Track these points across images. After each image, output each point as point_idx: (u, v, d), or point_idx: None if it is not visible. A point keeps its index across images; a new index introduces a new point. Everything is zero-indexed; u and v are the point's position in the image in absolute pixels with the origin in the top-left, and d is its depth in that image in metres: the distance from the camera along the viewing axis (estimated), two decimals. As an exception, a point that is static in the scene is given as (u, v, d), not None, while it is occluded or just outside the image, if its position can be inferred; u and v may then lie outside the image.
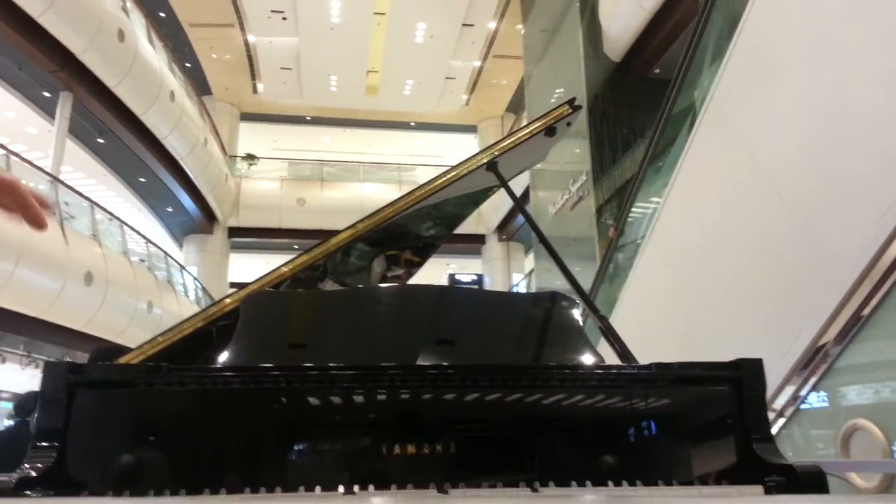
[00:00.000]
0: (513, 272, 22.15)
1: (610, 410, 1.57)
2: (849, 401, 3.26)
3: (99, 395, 1.51)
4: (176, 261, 16.49)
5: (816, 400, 3.44)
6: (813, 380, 3.36)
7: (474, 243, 22.06)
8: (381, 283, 3.04)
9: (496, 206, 19.63)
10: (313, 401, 1.54)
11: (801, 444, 3.53)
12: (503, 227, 21.67)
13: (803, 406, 3.49)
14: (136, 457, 1.46)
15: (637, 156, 9.16)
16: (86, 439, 1.47)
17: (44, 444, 1.45)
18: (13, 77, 11.73)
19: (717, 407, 1.54)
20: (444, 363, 1.66)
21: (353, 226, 2.37)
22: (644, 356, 1.77)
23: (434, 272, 21.81)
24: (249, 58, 20.34)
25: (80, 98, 12.12)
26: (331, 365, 1.54)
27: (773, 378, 3.43)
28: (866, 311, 3.06)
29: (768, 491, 1.35)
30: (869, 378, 3.18)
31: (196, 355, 2.18)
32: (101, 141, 14.10)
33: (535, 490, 1.37)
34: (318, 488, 1.39)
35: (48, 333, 10.45)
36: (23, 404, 4.57)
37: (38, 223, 0.95)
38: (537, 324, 1.95)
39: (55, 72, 11.23)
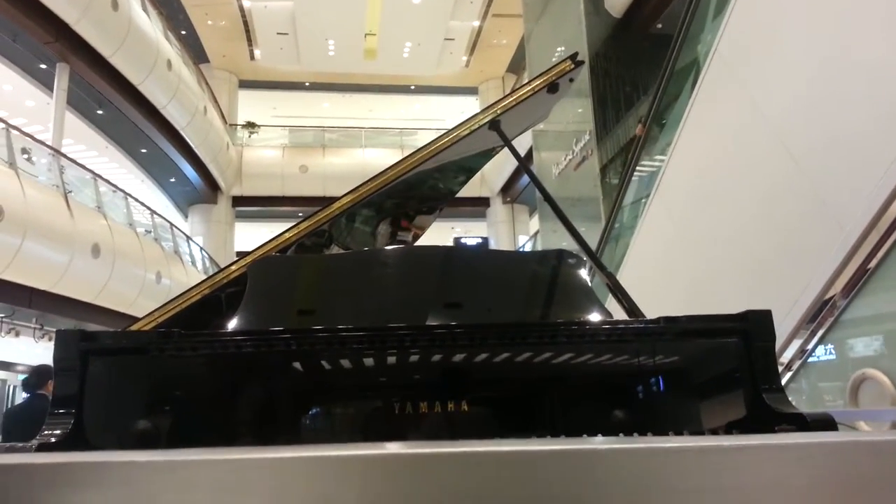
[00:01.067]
0: (518, 234, 22.14)
1: (619, 366, 1.57)
2: (856, 352, 3.28)
3: (112, 361, 1.53)
4: (182, 231, 16.50)
5: (824, 352, 3.46)
6: (820, 332, 3.37)
7: (479, 206, 22.01)
8: (386, 246, 3.04)
9: (500, 168, 19.52)
10: (323, 363, 1.55)
11: (808, 396, 3.55)
12: (507, 190, 21.59)
13: (811, 359, 3.51)
14: (150, 421, 1.48)
15: (640, 113, 9.06)
16: (101, 405, 1.49)
17: (61, 410, 1.47)
18: (8, 49, 11.61)
19: (726, 359, 1.54)
20: (452, 323, 1.67)
21: (355, 189, 2.36)
22: (650, 313, 1.77)
23: (439, 236, 21.74)
24: (245, 23, 20.07)
25: (77, 69, 12.01)
26: (340, 327, 1.55)
27: (780, 332, 3.44)
28: (872, 263, 3.06)
29: (778, 439, 1.36)
30: (876, 329, 3.19)
31: (205, 322, 2.19)
32: (100, 112, 14.01)
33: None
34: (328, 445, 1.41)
35: (59, 306, 10.52)
36: (29, 380, 4.62)
37: None
38: (545, 282, 1.95)
39: (50, 43, 11.11)
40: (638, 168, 6.58)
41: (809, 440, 0.80)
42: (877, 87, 3.08)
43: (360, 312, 1.80)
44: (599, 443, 1.00)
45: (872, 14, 3.17)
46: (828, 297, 3.27)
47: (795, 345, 3.47)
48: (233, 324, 1.76)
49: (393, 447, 0.91)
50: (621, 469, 0.83)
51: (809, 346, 3.43)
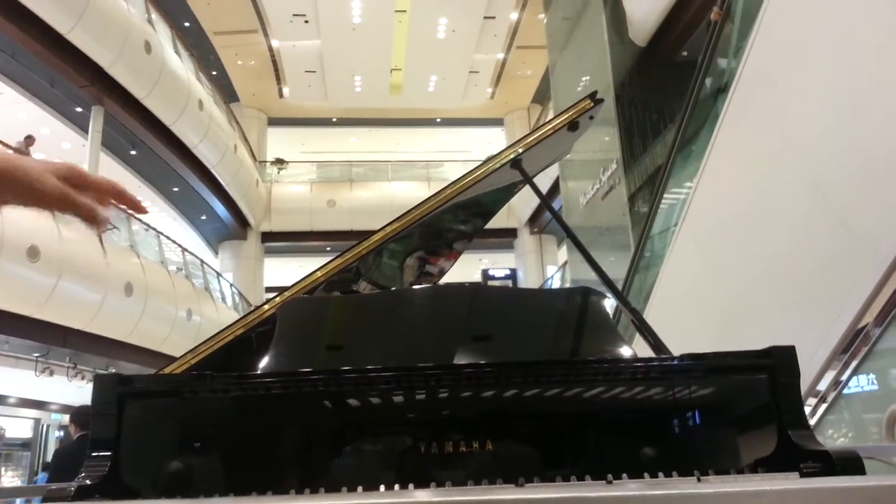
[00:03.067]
0: (546, 265, 22.06)
1: (643, 403, 1.58)
2: (893, 383, 3.21)
3: (147, 404, 1.57)
4: (212, 268, 16.76)
5: (859, 383, 3.39)
6: (854, 363, 3.32)
7: (506, 237, 22.02)
8: (414, 281, 3.08)
9: (527, 200, 19.53)
10: (352, 403, 1.58)
11: (847, 428, 3.48)
12: (534, 220, 21.58)
13: (848, 390, 3.44)
14: (184, 462, 1.52)
15: (668, 141, 9.05)
16: (137, 447, 1.53)
17: (98, 453, 1.52)
18: (46, 94, 12.03)
19: (750, 396, 1.54)
20: (477, 362, 1.69)
21: (382, 228, 2.41)
22: (679, 344, 1.77)
23: (467, 268, 21.83)
24: (274, 62, 20.56)
25: (112, 111, 12.38)
26: (368, 367, 1.58)
27: (813, 363, 3.39)
28: (905, 291, 3.02)
29: (803, 477, 1.35)
30: (911, 359, 3.13)
31: (237, 362, 2.24)
32: (133, 153, 14.39)
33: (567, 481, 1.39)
34: (359, 488, 1.43)
35: (92, 345, 10.71)
36: (78, 419, 4.72)
37: (140, 209, 1.02)
38: (569, 320, 1.96)
39: (85, 87, 11.49)
40: (666, 196, 6.56)
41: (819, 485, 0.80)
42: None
43: (387, 352, 1.83)
44: (626, 489, 1.01)
45: None
46: (861, 326, 3.23)
47: (829, 376, 3.41)
48: (262, 365, 1.80)
49: (422, 495, 0.93)
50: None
51: (844, 377, 3.37)
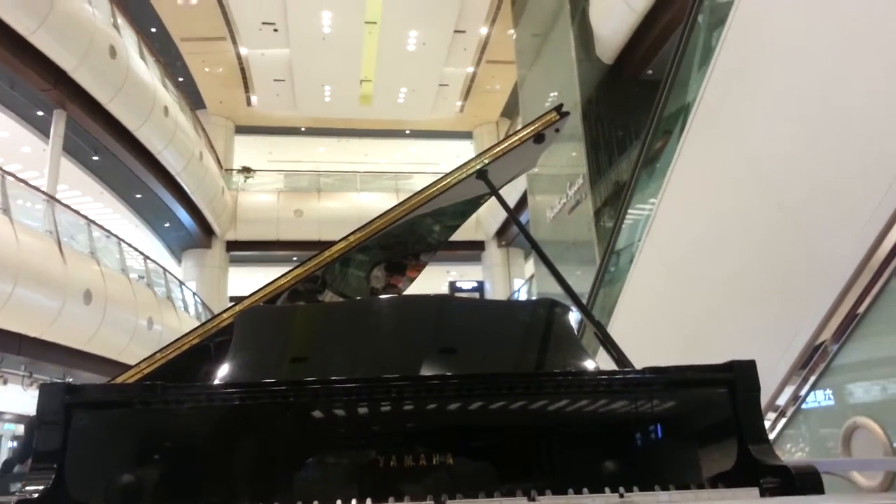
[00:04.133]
0: (513, 278, 22.15)
1: (604, 416, 1.57)
2: (849, 399, 3.26)
3: (95, 415, 1.52)
4: (175, 276, 16.47)
5: (816, 399, 3.44)
6: (812, 378, 3.36)
7: (474, 250, 22.06)
8: (380, 292, 3.05)
9: (495, 212, 19.63)
10: (309, 415, 1.54)
11: (805, 443, 3.53)
12: (502, 233, 21.67)
13: (805, 405, 3.49)
14: (134, 476, 1.47)
15: (633, 157, 9.17)
16: (84, 459, 1.47)
17: (42, 465, 1.46)
18: (6, 96, 11.74)
19: (711, 410, 1.54)
20: (437, 373, 1.66)
21: (346, 237, 2.38)
22: (643, 358, 1.77)
23: (434, 280, 21.80)
24: (242, 70, 20.38)
25: (74, 116, 12.13)
26: (327, 378, 1.55)
27: (773, 377, 3.43)
28: (861, 308, 3.07)
29: (763, 493, 1.35)
30: (867, 375, 3.18)
31: (194, 371, 2.19)
32: (96, 158, 14.11)
33: (532, 500, 1.37)
34: (315, 502, 1.39)
35: (49, 353, 10.42)
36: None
37: None
38: (532, 331, 1.95)
39: (47, 90, 11.25)
40: (631, 211, 6.62)
41: None
42: (859, 136, 3.14)
43: (345, 363, 1.80)
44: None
45: (854, 65, 3.24)
46: (819, 342, 3.28)
47: (789, 391, 3.45)
48: (219, 374, 1.76)
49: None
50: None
51: (802, 392, 3.42)
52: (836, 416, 3.30)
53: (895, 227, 2.85)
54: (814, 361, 3.34)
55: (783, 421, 3.54)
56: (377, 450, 1.50)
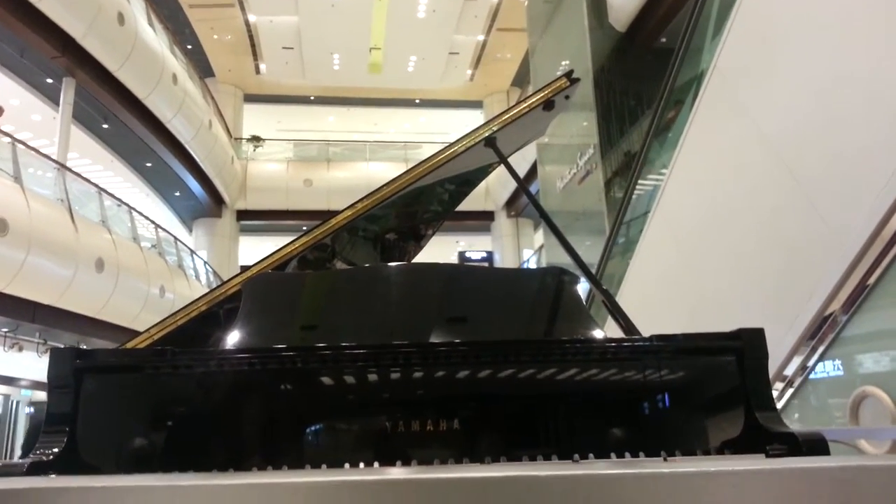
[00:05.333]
0: (523, 248, 22.11)
1: (612, 384, 1.57)
2: (857, 369, 3.26)
3: (106, 379, 1.53)
4: (186, 245, 16.55)
5: (825, 369, 3.44)
6: (821, 349, 3.36)
7: (483, 220, 22.02)
8: (389, 261, 3.04)
9: (504, 182, 19.54)
10: (313, 381, 1.55)
11: (812, 412, 3.53)
12: (512, 203, 21.59)
13: (814, 375, 3.49)
14: (145, 439, 1.48)
15: (644, 127, 9.07)
16: (95, 423, 1.49)
17: (54, 428, 1.47)
18: (16, 64, 11.72)
19: (719, 377, 1.54)
20: (448, 340, 1.67)
21: (355, 203, 2.37)
22: (651, 329, 1.77)
23: (444, 250, 21.80)
24: (251, 38, 20.22)
25: (83, 83, 12.10)
26: (336, 345, 1.55)
27: (781, 348, 3.43)
28: (871, 279, 3.05)
29: (769, 458, 1.36)
30: (876, 346, 3.17)
31: (204, 338, 2.20)
32: (106, 126, 14.10)
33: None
34: (323, 466, 1.41)
35: (63, 321, 10.53)
36: None
37: None
38: (540, 299, 1.95)
39: (56, 57, 11.21)
40: (641, 182, 6.57)
41: (801, 465, 0.79)
42: (874, 104, 3.09)
43: (353, 330, 1.80)
44: (594, 468, 0.99)
45: (870, 32, 3.17)
46: (828, 313, 3.26)
47: (797, 361, 3.45)
48: (227, 341, 1.77)
49: (392, 472, 0.91)
50: (614, 495, 0.82)
51: (811, 363, 3.41)
52: (844, 387, 3.30)
53: (909, 198, 2.81)
54: (822, 332, 3.33)
55: (790, 391, 3.55)
56: (385, 415, 1.51)
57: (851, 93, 3.22)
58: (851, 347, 3.27)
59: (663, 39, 11.19)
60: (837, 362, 3.33)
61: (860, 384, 3.16)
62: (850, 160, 3.17)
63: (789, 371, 3.49)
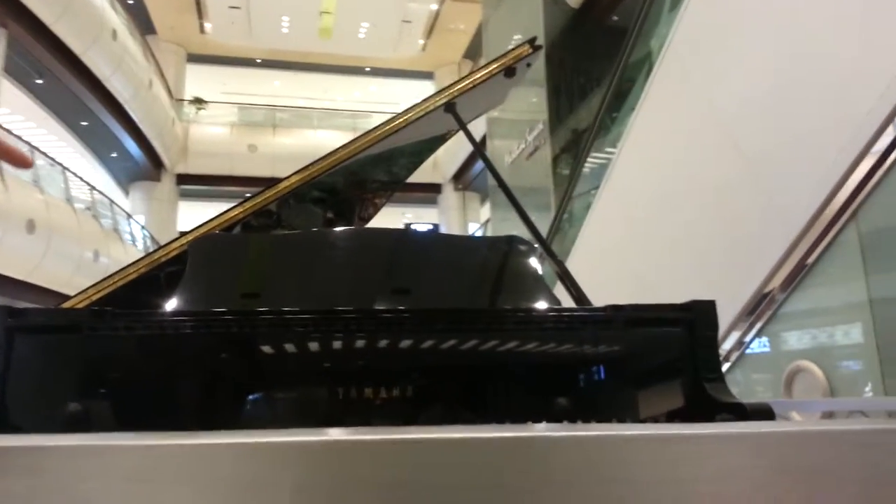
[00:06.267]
0: (469, 222, 22.20)
1: (565, 353, 1.57)
2: (792, 345, 3.38)
3: (40, 340, 1.45)
4: (122, 209, 16.04)
5: (760, 345, 3.55)
6: (759, 325, 3.46)
7: (430, 192, 21.97)
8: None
9: (452, 155, 19.49)
10: (263, 347, 1.51)
11: (743, 388, 3.65)
12: (459, 177, 21.60)
13: (749, 351, 3.60)
14: (78, 404, 1.41)
15: (594, 105, 9.13)
16: (27, 386, 1.41)
17: (-18, 390, 1.40)
18: (-59, 12, 11.05)
19: (669, 348, 1.56)
20: (400, 308, 1.64)
21: (304, 168, 2.31)
22: (597, 301, 1.78)
23: (390, 221, 21.53)
24: (196, -4, 19.53)
25: (17, 36, 11.50)
26: (282, 309, 1.51)
27: (720, 323, 3.52)
28: (811, 259, 3.15)
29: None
30: (811, 323, 3.29)
31: (143, 302, 2.11)
32: (39, 82, 13.46)
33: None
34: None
35: (-10, 283, 10.14)
36: None
37: (25, 163, 0.92)
38: (495, 268, 1.94)
39: (-13, 7, 10.63)
40: (589, 159, 6.63)
41: (769, 430, 0.80)
42: (824, 87, 3.16)
43: (305, 295, 1.76)
44: (546, 430, 0.99)
45: (823, 14, 3.24)
46: (767, 290, 3.36)
47: (734, 336, 3.56)
48: (172, 304, 1.70)
49: (330, 433, 0.88)
50: (570, 457, 0.81)
51: (748, 339, 3.52)
52: (779, 362, 3.42)
53: (850, 180, 2.90)
54: (760, 309, 3.43)
55: (727, 365, 3.66)
56: (334, 383, 1.48)
57: (802, 74, 3.29)
58: (787, 324, 3.39)
59: (615, 18, 11.25)
60: (772, 339, 3.45)
61: (794, 359, 3.28)
62: (799, 142, 3.25)
63: (727, 345, 3.59)
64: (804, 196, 3.09)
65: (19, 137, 11.26)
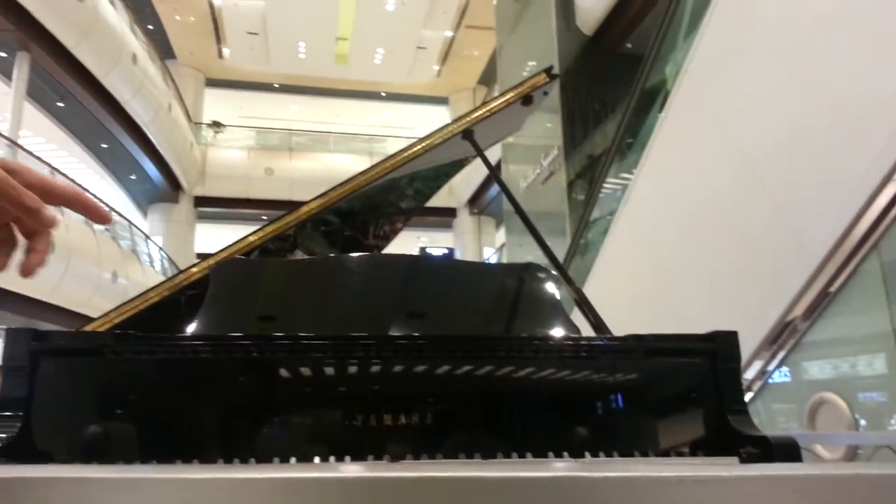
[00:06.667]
0: (484, 246, 22.19)
1: (585, 382, 1.56)
2: (814, 375, 3.33)
3: (64, 363, 1.46)
4: (140, 230, 16.18)
5: (782, 375, 3.50)
6: (781, 354, 3.42)
7: (445, 216, 22.01)
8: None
9: (468, 180, 19.56)
10: (283, 371, 1.51)
11: (771, 416, 3.60)
12: (475, 201, 21.63)
13: (772, 380, 3.56)
14: (103, 428, 1.42)
15: (608, 131, 9.16)
16: (51, 409, 1.42)
17: (7, 413, 1.40)
18: (-34, 36, 11.30)
19: (691, 379, 1.54)
20: (418, 334, 1.63)
21: (323, 194, 2.32)
22: (615, 330, 1.77)
23: (404, 244, 21.63)
24: (214, 21, 19.84)
25: (39, 59, 11.72)
26: (302, 334, 1.51)
27: (742, 352, 3.48)
28: (834, 287, 3.11)
29: (742, 462, 1.36)
30: (835, 353, 3.25)
31: (164, 325, 2.12)
32: (60, 104, 13.68)
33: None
34: (292, 459, 1.37)
35: (10, 303, 10.20)
36: None
37: (104, 219, 0.93)
38: (512, 295, 1.93)
39: (10, 31, 10.82)
40: (606, 184, 6.63)
41: (806, 472, 0.78)
42: (841, 113, 3.15)
43: (324, 320, 1.76)
44: (578, 470, 0.97)
45: (838, 41, 3.24)
46: (789, 319, 3.33)
47: (757, 366, 3.51)
48: (192, 327, 1.71)
49: (352, 469, 0.87)
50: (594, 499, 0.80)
51: (770, 368, 3.48)
52: (802, 392, 3.37)
53: (872, 209, 2.88)
54: (783, 338, 3.39)
55: (749, 395, 3.61)
56: (358, 409, 1.47)
57: (820, 102, 3.28)
58: (810, 353, 3.34)
59: (629, 45, 11.33)
60: (795, 368, 3.40)
61: (817, 390, 3.23)
62: (817, 169, 3.24)
63: (749, 375, 3.55)
64: (825, 224, 3.07)
65: (39, 159, 11.42)
